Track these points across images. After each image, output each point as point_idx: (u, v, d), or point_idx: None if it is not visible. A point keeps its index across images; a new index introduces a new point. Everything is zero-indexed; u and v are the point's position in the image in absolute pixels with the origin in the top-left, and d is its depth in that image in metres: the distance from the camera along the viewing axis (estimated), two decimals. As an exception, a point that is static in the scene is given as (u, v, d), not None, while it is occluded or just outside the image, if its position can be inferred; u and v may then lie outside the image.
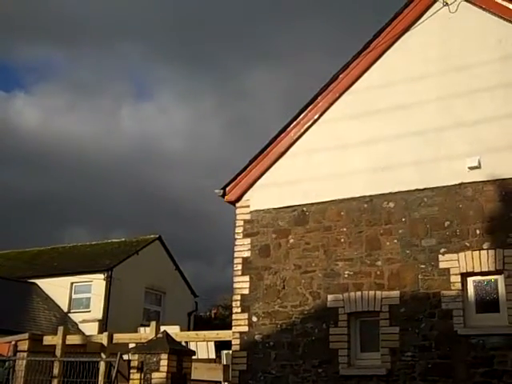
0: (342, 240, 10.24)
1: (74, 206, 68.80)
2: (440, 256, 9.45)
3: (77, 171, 72.90)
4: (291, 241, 10.67)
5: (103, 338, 14.02)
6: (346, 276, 10.03)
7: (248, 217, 11.17)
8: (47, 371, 13.53)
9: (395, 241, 9.83)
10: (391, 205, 10.02)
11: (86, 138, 73.18)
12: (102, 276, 29.46)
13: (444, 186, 9.68)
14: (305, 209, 10.71)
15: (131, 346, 13.05)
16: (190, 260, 66.76)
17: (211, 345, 14.43)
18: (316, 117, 10.96)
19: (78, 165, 71.85)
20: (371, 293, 9.75)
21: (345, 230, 10.27)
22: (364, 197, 10.24)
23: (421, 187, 9.84)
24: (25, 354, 14.22)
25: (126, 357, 13.15)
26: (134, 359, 11.19)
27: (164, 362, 10.83)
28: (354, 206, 10.29)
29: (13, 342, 13.66)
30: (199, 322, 34.89)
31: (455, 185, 9.62)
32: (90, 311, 29.24)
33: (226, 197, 11.45)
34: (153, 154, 75.88)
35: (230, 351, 11.38)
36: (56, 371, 13.08)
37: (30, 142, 72.28)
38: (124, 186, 73.44)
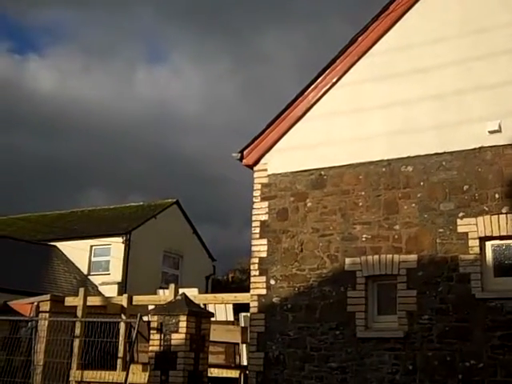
0: (360, 204, 10.25)
1: (90, 169, 69.22)
2: (458, 220, 9.44)
3: (92, 135, 73.18)
4: (309, 204, 10.69)
5: (123, 300, 14.18)
6: (363, 239, 10.06)
7: (265, 180, 11.19)
8: (69, 331, 13.79)
9: (413, 205, 9.82)
10: (409, 169, 9.98)
11: (100, 102, 73.24)
12: (120, 239, 29.78)
13: (463, 150, 9.61)
14: (322, 172, 10.70)
15: (150, 307, 13.23)
16: (206, 223, 67.20)
17: (229, 307, 14.56)
18: (334, 80, 10.87)
19: (94, 129, 72.10)
20: (389, 256, 9.79)
21: (363, 193, 10.27)
22: (382, 161, 10.21)
23: (440, 151, 9.78)
24: (47, 315, 14.49)
25: (145, 318, 13.35)
26: (154, 320, 11.36)
27: (183, 324, 10.99)
28: (372, 169, 10.26)
29: (35, 303, 13.89)
30: (217, 286, 35.26)
31: (474, 149, 9.55)
32: (109, 274, 29.64)
33: (243, 160, 11.46)
34: (167, 117, 75.85)
35: (248, 314, 11.50)
36: (78, 331, 13.30)
37: (45, 106, 72.51)
38: (140, 150, 73.69)
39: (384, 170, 10.17)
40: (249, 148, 11.40)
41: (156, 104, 76.38)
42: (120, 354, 13.15)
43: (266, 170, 11.25)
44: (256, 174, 11.36)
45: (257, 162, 11.36)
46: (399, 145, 10.09)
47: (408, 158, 10.01)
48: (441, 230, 9.52)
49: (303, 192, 10.80)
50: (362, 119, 10.52)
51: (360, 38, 10.69)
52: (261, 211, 11.08)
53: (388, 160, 10.17)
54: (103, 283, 28.93)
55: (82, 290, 14.04)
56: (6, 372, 13.21)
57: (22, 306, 14.81)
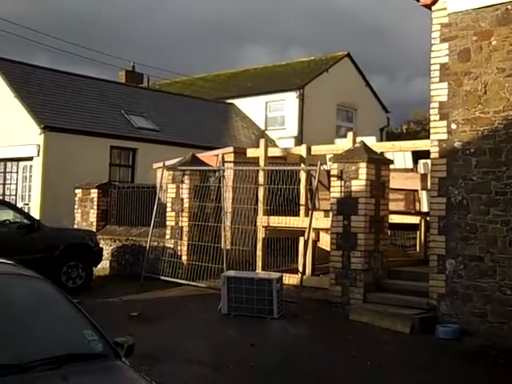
0: (553, 42, 9.41)
1: (249, 26, 69.23)
2: None
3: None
4: (494, 43, 9.99)
5: (302, 150, 14.43)
6: (556, 77, 9.32)
7: (445, 20, 10.55)
8: (253, 180, 14.53)
9: None
10: None
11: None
12: (294, 94, 30.17)
13: None
14: (509, 6, 9.84)
15: (329, 157, 13.49)
16: (373, 75, 65.70)
17: (408, 154, 14.39)
18: None
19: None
20: None
21: (557, 28, 9.39)
22: None
23: None
24: (231, 165, 15.31)
25: (325, 167, 13.65)
26: (334, 168, 11.62)
27: (363, 171, 11.15)
28: None
29: (220, 155, 14.61)
30: (391, 137, 34.94)
31: None
32: (285, 128, 30.41)
33: (420, 0, 10.85)
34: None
35: (427, 160, 11.34)
36: (261, 180, 13.92)
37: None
38: (297, 3, 72.26)
39: None
40: (426, -14, 10.74)
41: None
42: (302, 202, 13.67)
43: (445, 8, 10.57)
44: (434, 14, 10.72)
45: (435, 0, 10.71)
46: None
47: None
48: None
49: (487, 30, 10.08)
50: None
51: None
52: (440, 53, 10.56)
53: None
54: (280, 138, 29.81)
55: (262, 141, 14.49)
56: (199, 217, 14.37)
57: (209, 157, 15.67)
